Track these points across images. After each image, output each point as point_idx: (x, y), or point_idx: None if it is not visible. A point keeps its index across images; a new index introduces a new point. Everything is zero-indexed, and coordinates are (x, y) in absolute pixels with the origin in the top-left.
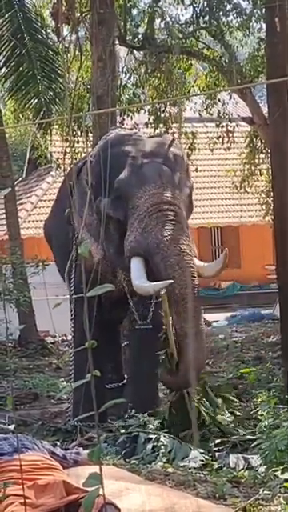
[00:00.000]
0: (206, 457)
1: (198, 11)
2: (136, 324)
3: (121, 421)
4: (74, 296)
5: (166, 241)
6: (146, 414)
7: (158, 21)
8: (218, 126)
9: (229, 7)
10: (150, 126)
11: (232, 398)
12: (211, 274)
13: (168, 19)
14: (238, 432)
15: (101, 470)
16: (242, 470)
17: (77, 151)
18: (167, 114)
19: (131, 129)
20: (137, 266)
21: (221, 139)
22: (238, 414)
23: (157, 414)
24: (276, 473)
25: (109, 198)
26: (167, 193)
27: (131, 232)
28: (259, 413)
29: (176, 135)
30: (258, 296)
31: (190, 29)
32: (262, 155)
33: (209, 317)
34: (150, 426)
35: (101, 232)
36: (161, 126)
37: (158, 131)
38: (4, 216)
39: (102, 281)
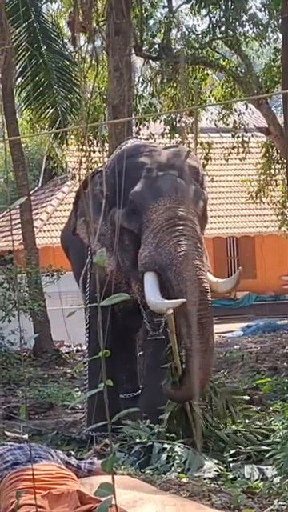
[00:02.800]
0: (221, 467)
1: (215, 21)
2: (148, 335)
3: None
4: (88, 305)
5: (179, 256)
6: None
7: (174, 31)
8: (233, 136)
9: (245, 18)
10: (165, 136)
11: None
12: (224, 290)
13: (184, 29)
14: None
15: (113, 479)
16: (256, 480)
17: (93, 161)
18: (183, 124)
19: (147, 139)
20: (150, 281)
21: (237, 149)
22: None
23: (159, 423)
24: None
25: (123, 210)
26: (182, 207)
27: (145, 246)
28: (274, 423)
29: (192, 145)
30: (274, 306)
31: (206, 39)
32: (277, 165)
33: (224, 327)
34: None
35: (115, 243)
36: (176, 136)
37: (173, 141)
38: (19, 226)
39: (116, 291)
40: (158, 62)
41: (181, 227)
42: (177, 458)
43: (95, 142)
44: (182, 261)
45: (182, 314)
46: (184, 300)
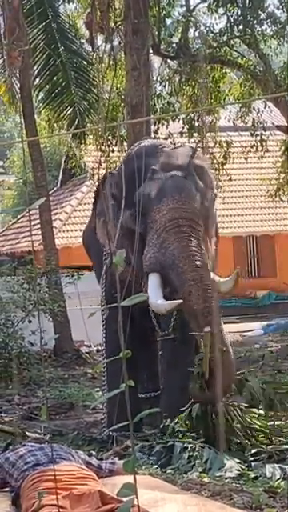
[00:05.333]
0: (242, 467)
1: (232, 20)
2: (158, 335)
3: (156, 430)
4: (103, 306)
5: (182, 257)
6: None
7: (192, 30)
8: (252, 134)
9: (263, 16)
10: (184, 135)
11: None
12: (226, 289)
13: (202, 28)
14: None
15: (135, 480)
16: (278, 479)
17: (112, 161)
18: (201, 123)
19: (166, 138)
20: (153, 282)
21: (255, 148)
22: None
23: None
24: None
25: (129, 211)
26: (185, 207)
27: (149, 247)
28: None
29: (210, 144)
30: None
31: (224, 38)
32: None
33: (244, 326)
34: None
35: (134, 244)
36: (195, 135)
37: (192, 140)
38: (39, 226)
39: (129, 291)
40: (175, 61)
41: (184, 227)
42: (198, 457)
43: (114, 141)
44: (184, 261)
45: (189, 315)
46: (180, 301)
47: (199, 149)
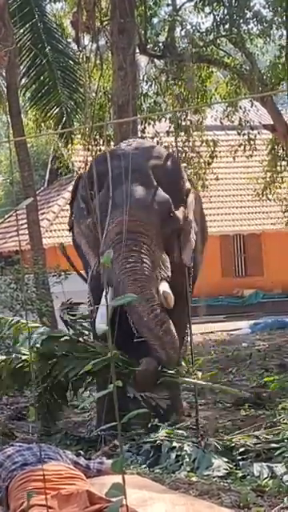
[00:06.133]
0: (230, 466)
1: (219, 19)
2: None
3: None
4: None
5: (121, 275)
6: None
7: (178, 29)
8: (239, 133)
9: (249, 15)
10: (171, 134)
11: None
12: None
13: (188, 27)
14: None
15: (123, 480)
16: (266, 478)
17: None
18: (188, 123)
19: (152, 137)
20: (104, 301)
21: (242, 147)
22: None
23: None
24: None
25: (90, 219)
26: (133, 219)
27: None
28: (283, 421)
29: (197, 143)
30: (282, 304)
31: (211, 37)
32: (283, 162)
33: (232, 325)
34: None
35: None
36: (182, 134)
37: (179, 139)
38: (26, 226)
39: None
40: (162, 61)
41: (128, 241)
42: (186, 456)
43: (101, 141)
44: (122, 278)
45: (140, 326)
46: (106, 327)
47: (173, 149)
